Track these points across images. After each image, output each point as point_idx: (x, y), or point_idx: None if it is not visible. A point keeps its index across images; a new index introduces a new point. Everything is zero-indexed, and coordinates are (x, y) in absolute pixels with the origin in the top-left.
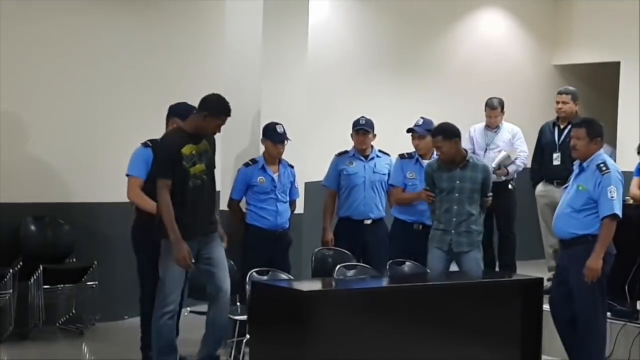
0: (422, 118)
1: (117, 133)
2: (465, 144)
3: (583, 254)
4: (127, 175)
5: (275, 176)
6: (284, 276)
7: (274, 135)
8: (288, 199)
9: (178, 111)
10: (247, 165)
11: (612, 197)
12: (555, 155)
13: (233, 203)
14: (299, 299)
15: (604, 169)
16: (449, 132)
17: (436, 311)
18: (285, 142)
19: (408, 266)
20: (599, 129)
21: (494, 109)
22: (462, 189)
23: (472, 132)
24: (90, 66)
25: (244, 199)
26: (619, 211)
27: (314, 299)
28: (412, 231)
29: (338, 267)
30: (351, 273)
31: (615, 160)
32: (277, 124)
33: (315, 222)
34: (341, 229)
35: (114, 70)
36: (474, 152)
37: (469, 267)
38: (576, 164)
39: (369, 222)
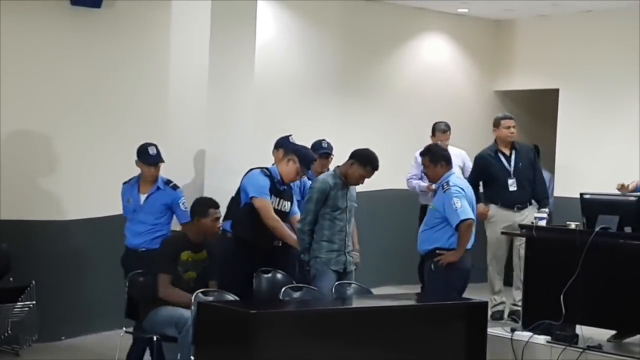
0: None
1: (55, 149)
2: (411, 169)
3: (430, 266)
4: (253, 197)
5: (142, 197)
6: (230, 297)
7: (145, 157)
8: (160, 221)
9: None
10: (125, 182)
11: (457, 207)
12: (510, 181)
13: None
14: (245, 320)
15: (445, 186)
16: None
17: (382, 333)
18: (159, 163)
19: (353, 287)
20: (441, 152)
21: (445, 132)
22: (351, 208)
23: (417, 157)
24: (28, 81)
25: None
26: (467, 215)
27: (261, 319)
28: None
29: (284, 288)
30: (297, 294)
31: (553, 186)
32: (150, 144)
33: None
34: None
35: (53, 84)
36: (421, 177)
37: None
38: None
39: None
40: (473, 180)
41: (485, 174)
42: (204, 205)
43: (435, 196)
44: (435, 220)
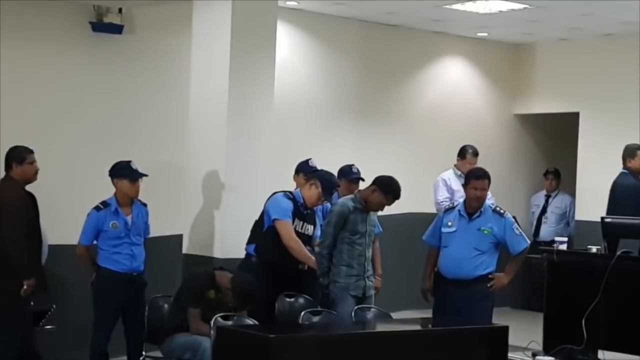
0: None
1: (77, 174)
2: (440, 191)
3: (485, 289)
4: (276, 220)
5: (129, 219)
6: (249, 321)
7: (130, 173)
8: (142, 239)
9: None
10: (97, 208)
11: (520, 232)
12: None
13: (81, 248)
14: (264, 344)
15: (501, 211)
16: None
17: (402, 358)
18: (141, 178)
19: (373, 312)
20: None
21: (476, 156)
22: (370, 232)
23: (447, 180)
24: (49, 107)
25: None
26: (528, 240)
27: (280, 344)
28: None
29: (303, 312)
30: (316, 318)
31: (574, 210)
32: (128, 160)
33: None
34: None
35: (75, 110)
36: (451, 200)
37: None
38: (460, 209)
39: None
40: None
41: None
42: None
43: (479, 220)
44: (489, 245)
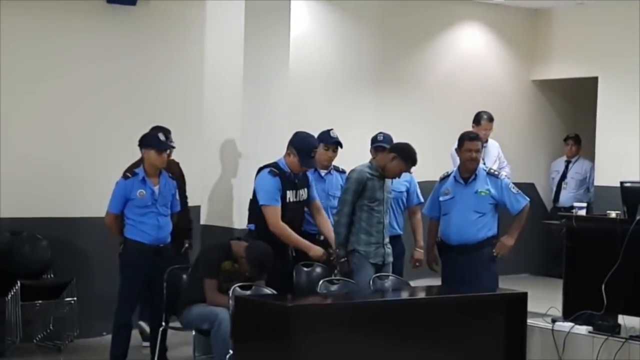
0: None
1: (95, 146)
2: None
3: (490, 254)
4: (262, 205)
5: (156, 189)
6: (268, 291)
7: (158, 144)
8: (169, 211)
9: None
10: (125, 177)
11: (518, 191)
12: None
13: (110, 217)
14: (283, 313)
15: (495, 172)
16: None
17: (420, 326)
18: (169, 150)
19: (392, 280)
20: None
21: (491, 121)
22: (388, 199)
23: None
24: (67, 79)
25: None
26: (528, 198)
27: (299, 313)
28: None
29: (321, 281)
30: (334, 287)
31: (593, 175)
32: (158, 130)
33: None
34: None
35: (92, 83)
36: None
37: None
38: (455, 176)
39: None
40: None
41: None
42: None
43: (475, 183)
44: (489, 206)
